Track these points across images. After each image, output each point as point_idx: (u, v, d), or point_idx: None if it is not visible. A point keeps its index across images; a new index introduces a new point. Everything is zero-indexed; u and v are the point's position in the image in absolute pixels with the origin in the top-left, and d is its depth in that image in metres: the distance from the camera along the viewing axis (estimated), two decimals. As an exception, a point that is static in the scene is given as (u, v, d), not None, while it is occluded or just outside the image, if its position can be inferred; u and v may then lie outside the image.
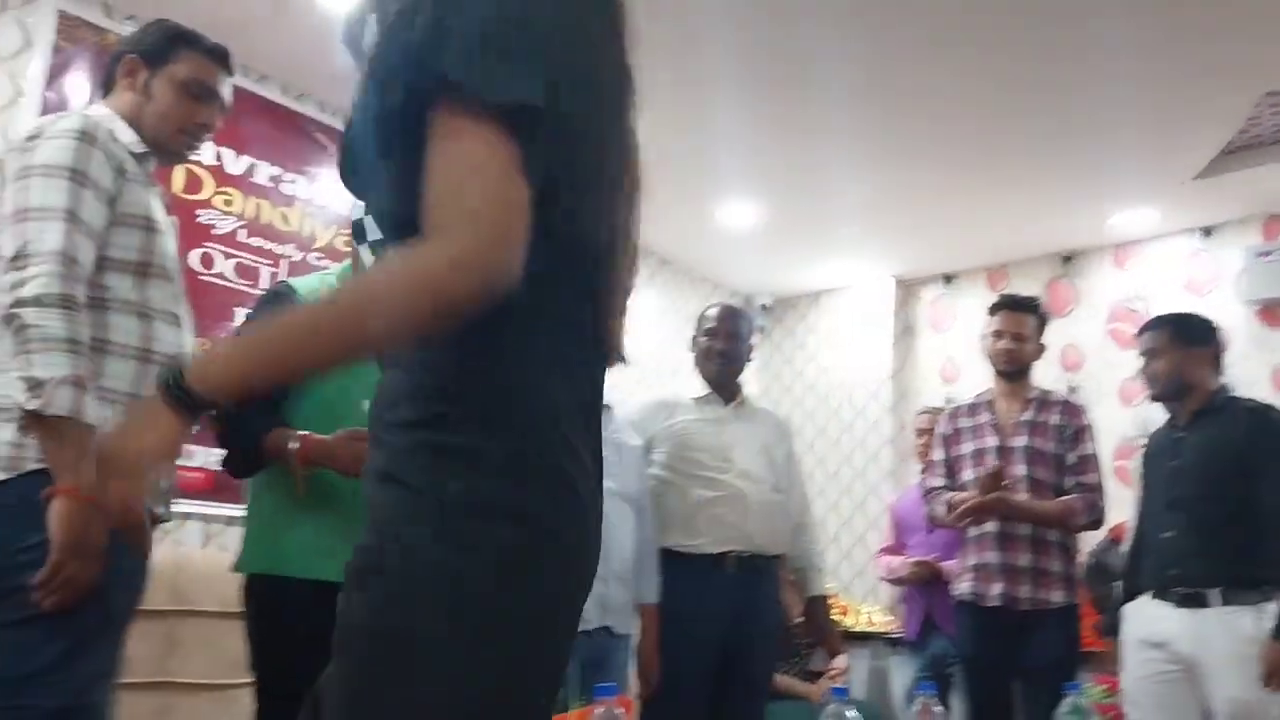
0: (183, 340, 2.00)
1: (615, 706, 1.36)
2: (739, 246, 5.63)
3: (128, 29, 3.64)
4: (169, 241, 1.99)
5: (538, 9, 0.98)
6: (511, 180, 0.93)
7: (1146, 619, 2.97)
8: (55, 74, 3.46)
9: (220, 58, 2.13)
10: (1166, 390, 3.07)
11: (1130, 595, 3.07)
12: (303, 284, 2.23)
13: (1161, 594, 2.93)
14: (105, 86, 2.08)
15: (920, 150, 4.45)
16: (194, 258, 3.71)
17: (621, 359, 1.16)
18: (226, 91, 2.16)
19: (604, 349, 1.13)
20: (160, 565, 3.14)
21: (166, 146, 2.08)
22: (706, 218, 5.28)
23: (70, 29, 3.52)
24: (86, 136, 1.85)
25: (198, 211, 3.77)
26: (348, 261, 2.39)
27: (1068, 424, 3.28)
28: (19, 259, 1.75)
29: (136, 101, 2.04)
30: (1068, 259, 5.61)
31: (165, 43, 2.07)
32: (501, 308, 0.91)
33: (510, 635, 0.94)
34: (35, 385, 1.68)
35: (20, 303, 1.71)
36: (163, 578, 3.10)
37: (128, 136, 1.97)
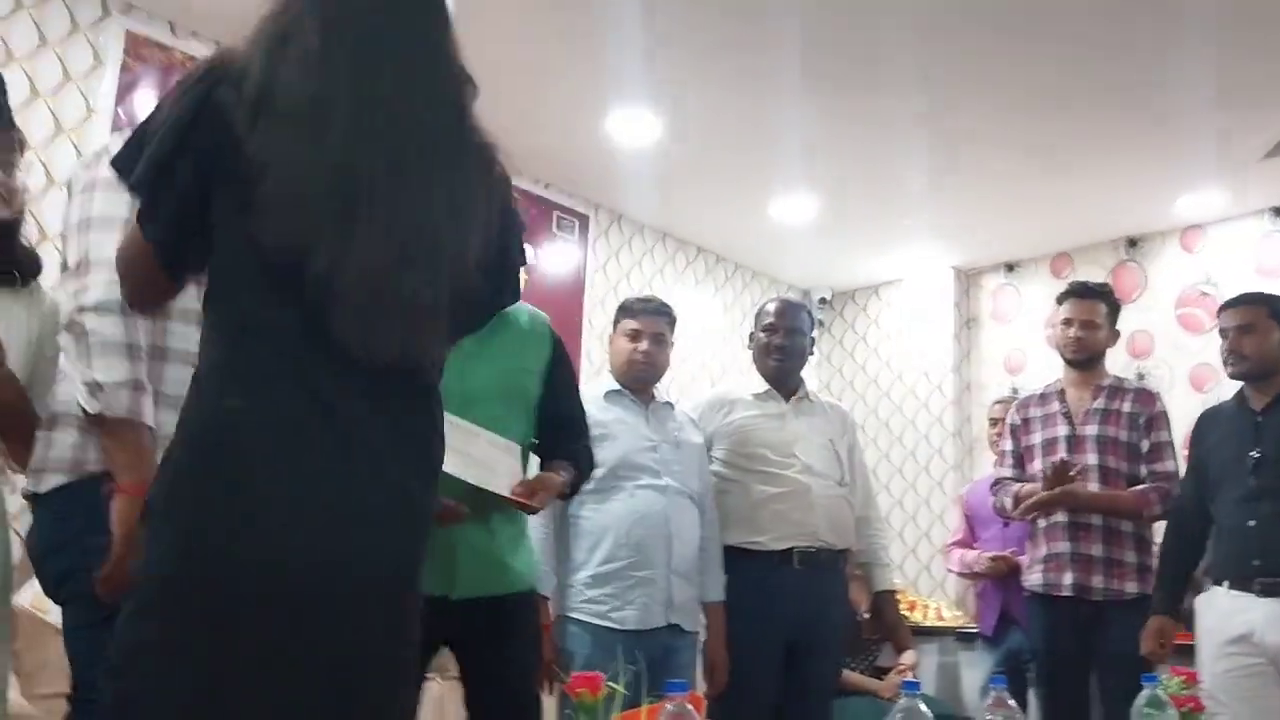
0: None
1: (686, 702, 1.36)
2: (796, 240, 5.60)
3: (193, 46, 3.73)
4: None
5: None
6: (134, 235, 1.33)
7: (1225, 611, 2.89)
8: (124, 91, 3.55)
9: None
10: (1256, 369, 2.97)
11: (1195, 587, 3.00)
12: None
13: (1242, 584, 2.85)
14: None
15: (981, 137, 4.39)
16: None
17: (370, 353, 1.23)
18: None
19: (338, 349, 1.22)
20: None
21: None
22: (762, 212, 5.25)
23: (137, 47, 3.61)
24: None
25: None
26: None
27: (1141, 411, 3.21)
28: (81, 267, 1.80)
29: None
30: (1133, 243, 5.49)
31: None
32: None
33: None
34: (95, 388, 1.74)
35: (81, 309, 1.77)
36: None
37: None
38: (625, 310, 3.05)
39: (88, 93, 3.47)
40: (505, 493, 2.17)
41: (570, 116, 4.32)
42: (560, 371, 2.42)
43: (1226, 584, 2.90)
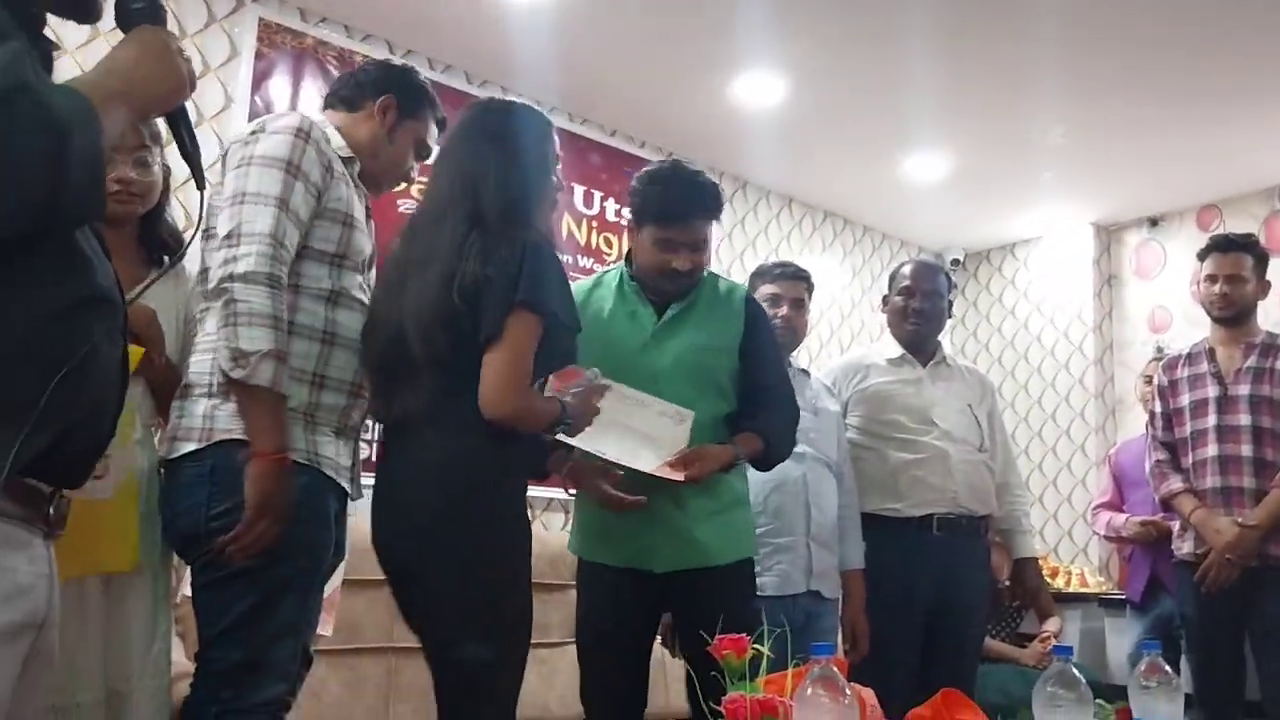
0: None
1: (832, 664, 1.36)
2: (927, 200, 5.46)
3: (323, 32, 3.84)
4: (365, 239, 2.12)
5: None
6: None
7: None
8: (259, 79, 3.68)
9: (442, 126, 2.27)
10: None
11: None
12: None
13: None
14: (346, 102, 2.18)
15: (1122, 85, 4.20)
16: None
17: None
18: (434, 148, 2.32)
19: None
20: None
21: (382, 184, 2.26)
22: (893, 172, 5.14)
23: (270, 35, 3.73)
24: (303, 134, 1.97)
25: (399, 201, 3.95)
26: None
27: (1298, 369, 3.06)
28: (231, 237, 1.88)
29: (378, 137, 2.17)
30: (1287, 192, 5.20)
31: (422, 101, 2.21)
32: None
33: None
34: (240, 356, 1.82)
35: (231, 277, 1.85)
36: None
37: (338, 142, 2.10)
38: (761, 276, 3.03)
39: (226, 82, 3.60)
40: (650, 468, 2.22)
41: (695, 83, 4.30)
42: (756, 343, 2.46)
43: None
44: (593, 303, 2.45)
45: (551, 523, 4.24)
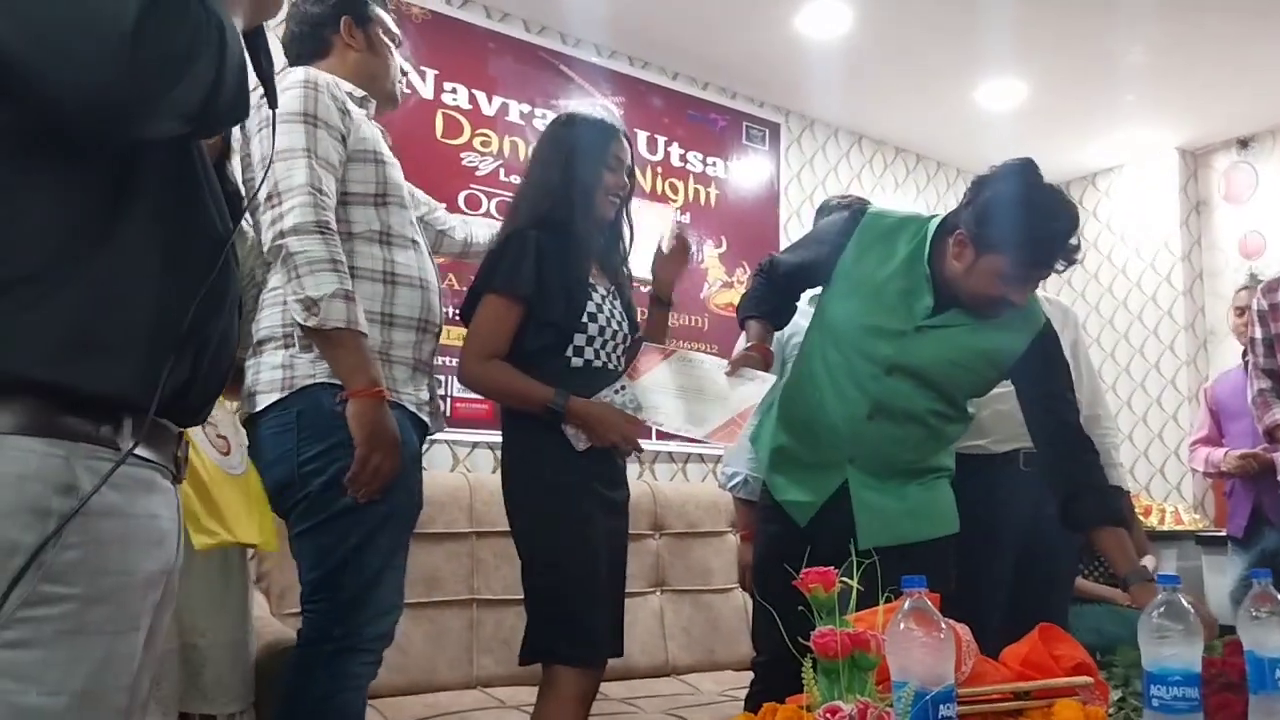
0: (424, 262, 2.13)
1: (924, 597, 1.29)
2: (1003, 130, 5.24)
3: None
4: (398, 172, 2.14)
5: None
6: None
7: None
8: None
9: (384, 3, 2.28)
10: None
11: None
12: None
13: None
14: (315, 54, 2.18)
15: (1208, -2, 3.98)
16: (461, 200, 3.86)
17: None
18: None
19: None
20: (456, 491, 3.35)
21: (394, 96, 2.28)
22: (965, 103, 4.96)
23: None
24: (311, 84, 1.99)
25: (461, 155, 3.91)
26: None
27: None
28: (273, 198, 1.91)
29: (366, 59, 2.19)
30: (1391, 104, 4.91)
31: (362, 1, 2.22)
32: None
33: None
34: (310, 304, 1.84)
35: (282, 234, 1.88)
36: (460, 503, 3.28)
37: (347, 85, 2.11)
38: (826, 212, 2.95)
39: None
40: (700, 435, 2.28)
41: (756, 18, 4.17)
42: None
43: None
44: (879, 245, 2.32)
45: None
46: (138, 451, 1.02)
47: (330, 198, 1.94)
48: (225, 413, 2.21)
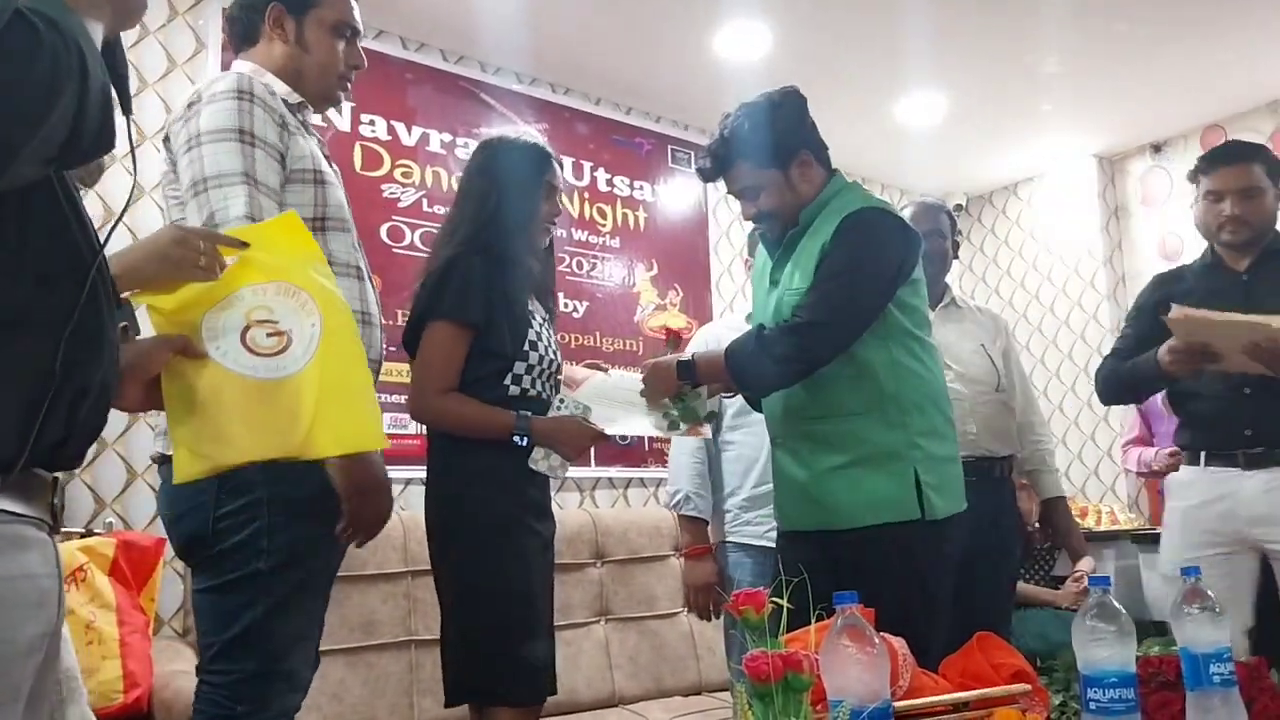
0: (366, 293, 1.98)
1: (856, 613, 1.27)
2: (924, 145, 5.32)
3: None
4: (339, 192, 1.97)
5: None
6: None
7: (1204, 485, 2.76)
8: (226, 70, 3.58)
9: None
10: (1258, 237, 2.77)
11: None
12: None
13: (1227, 458, 2.68)
14: (245, 40, 2.03)
15: (1117, 5, 4.04)
16: (383, 232, 3.80)
17: None
18: (360, 22, 2.11)
19: None
20: (389, 530, 3.26)
21: (329, 96, 2.07)
22: (886, 117, 5.01)
23: (237, 27, 3.63)
24: (244, 95, 1.81)
25: (381, 186, 3.86)
26: None
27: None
28: (205, 182, 1.76)
29: (291, 54, 1.99)
30: (1294, 103, 5.05)
31: None
32: None
33: None
34: None
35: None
36: (394, 542, 3.21)
37: (281, 89, 1.94)
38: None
39: (193, 76, 3.48)
40: (662, 433, 2.36)
41: (676, 41, 4.17)
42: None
43: (1204, 456, 2.71)
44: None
45: (568, 502, 4.16)
46: (7, 507, 0.94)
47: None
48: (285, 297, 1.53)
